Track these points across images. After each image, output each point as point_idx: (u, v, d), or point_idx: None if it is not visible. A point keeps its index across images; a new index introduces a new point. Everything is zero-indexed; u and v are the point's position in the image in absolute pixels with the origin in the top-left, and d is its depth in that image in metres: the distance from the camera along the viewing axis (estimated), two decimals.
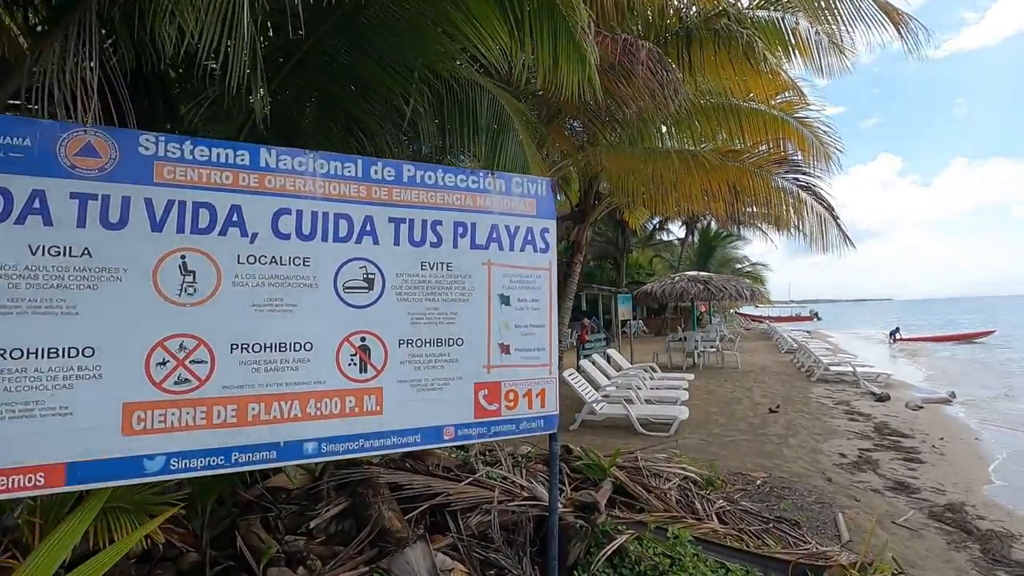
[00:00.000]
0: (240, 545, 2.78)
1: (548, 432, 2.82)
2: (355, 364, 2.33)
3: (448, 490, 3.58)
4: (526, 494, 3.42)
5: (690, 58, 7.07)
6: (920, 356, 22.20)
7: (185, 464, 2.00)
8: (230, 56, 2.48)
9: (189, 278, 2.05)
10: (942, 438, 6.97)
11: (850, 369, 11.98)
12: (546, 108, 8.35)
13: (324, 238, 2.31)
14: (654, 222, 34.94)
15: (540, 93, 7.65)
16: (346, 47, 4.11)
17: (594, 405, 7.59)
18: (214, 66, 2.99)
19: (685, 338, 14.81)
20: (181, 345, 2.01)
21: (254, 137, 3.64)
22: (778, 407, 8.63)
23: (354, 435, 2.31)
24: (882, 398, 9.80)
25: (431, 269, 2.52)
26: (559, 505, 3.29)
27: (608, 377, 10.02)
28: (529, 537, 3.20)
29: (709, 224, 34.17)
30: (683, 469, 4.47)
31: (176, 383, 2.00)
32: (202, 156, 2.13)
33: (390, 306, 2.42)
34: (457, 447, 4.51)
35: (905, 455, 6.19)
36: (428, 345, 2.48)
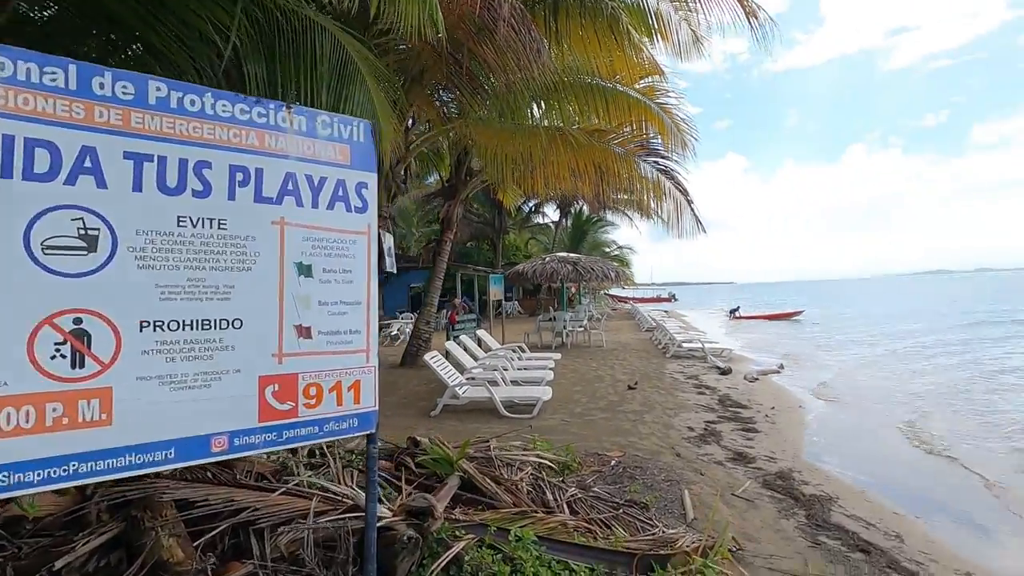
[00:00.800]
0: None
1: (365, 432, 2.33)
2: (63, 356, 1.63)
3: (256, 504, 2.95)
4: (350, 503, 2.90)
5: (557, 26, 6.83)
6: (754, 332, 25.06)
7: None
8: None
9: None
10: (773, 407, 7.62)
11: (700, 345, 12.92)
12: (409, 70, 7.68)
13: (6, 173, 1.57)
14: (530, 205, 35.54)
15: (402, 48, 6.97)
16: None
17: (457, 389, 7.23)
18: None
19: (555, 318, 15.05)
20: None
21: None
22: (636, 384, 8.94)
23: (61, 457, 1.63)
24: (725, 372, 10.62)
25: (193, 227, 1.87)
26: (386, 513, 2.83)
27: (476, 359, 9.74)
28: (351, 555, 2.70)
29: (581, 209, 35.49)
30: (538, 456, 4.23)
31: None
32: None
33: (125, 275, 1.75)
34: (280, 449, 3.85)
35: (743, 425, 6.62)
36: (188, 328, 1.85)
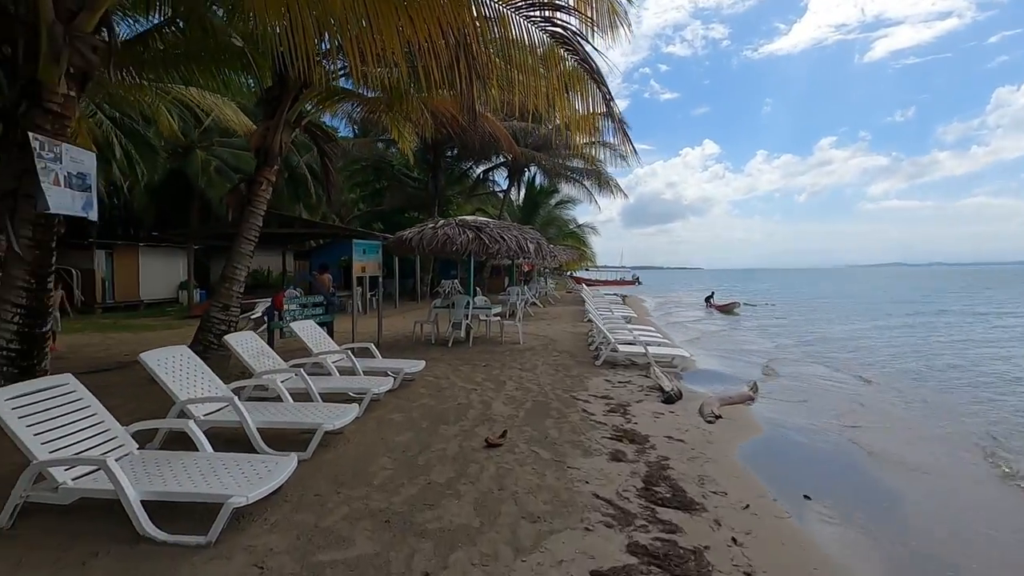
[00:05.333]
0: None
1: None
2: None
3: None
4: None
5: None
6: (718, 322, 21.59)
7: None
8: None
9: None
10: (747, 506, 3.75)
11: (642, 350, 9.09)
12: None
13: None
14: (477, 171, 31.22)
15: None
16: None
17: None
18: None
19: (453, 304, 11.01)
20: None
21: None
22: (503, 436, 4.97)
23: None
24: (671, 398, 6.81)
25: None
26: None
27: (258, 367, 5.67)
28: None
29: (534, 177, 31.38)
30: None
31: None
32: None
33: None
34: None
35: None
36: None
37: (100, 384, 6.83)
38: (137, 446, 3.78)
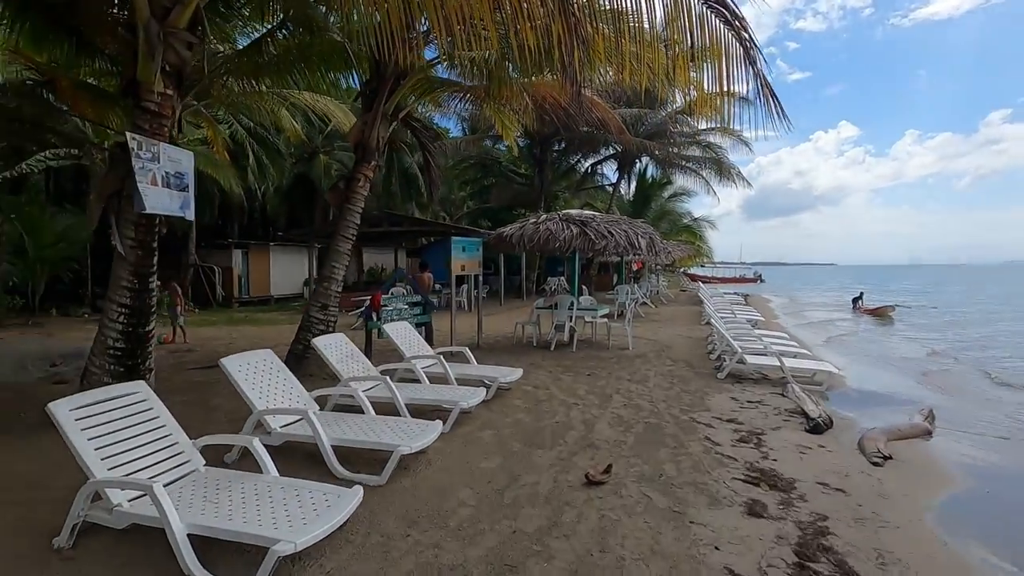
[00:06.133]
0: None
1: None
2: None
3: None
4: None
5: None
6: (870, 325, 18.68)
7: None
8: None
9: None
10: None
11: (776, 363, 7.72)
12: None
13: None
14: (585, 165, 30.16)
15: None
16: None
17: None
18: None
19: (556, 305, 10.27)
20: None
21: None
22: (608, 471, 4.12)
23: None
24: (819, 426, 5.52)
25: None
26: None
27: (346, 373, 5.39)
28: None
29: (645, 168, 29.69)
30: None
31: None
32: None
33: None
34: None
35: None
36: None
37: (209, 380, 7.02)
38: (204, 462, 3.50)
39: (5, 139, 11.76)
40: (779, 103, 4.12)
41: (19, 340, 10.56)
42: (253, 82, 9.70)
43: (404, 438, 3.99)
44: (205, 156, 17.57)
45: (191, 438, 3.58)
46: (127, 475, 3.08)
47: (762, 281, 59.00)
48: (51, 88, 9.58)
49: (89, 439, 3.08)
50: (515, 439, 4.95)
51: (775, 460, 4.62)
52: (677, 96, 6.30)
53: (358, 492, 3.13)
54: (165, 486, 2.87)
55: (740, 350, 8.03)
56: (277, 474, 3.40)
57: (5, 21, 6.58)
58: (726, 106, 5.79)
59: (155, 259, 5.20)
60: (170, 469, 3.30)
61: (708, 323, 14.75)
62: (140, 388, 3.57)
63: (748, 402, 6.56)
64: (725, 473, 4.25)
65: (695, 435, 5.21)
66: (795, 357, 8.54)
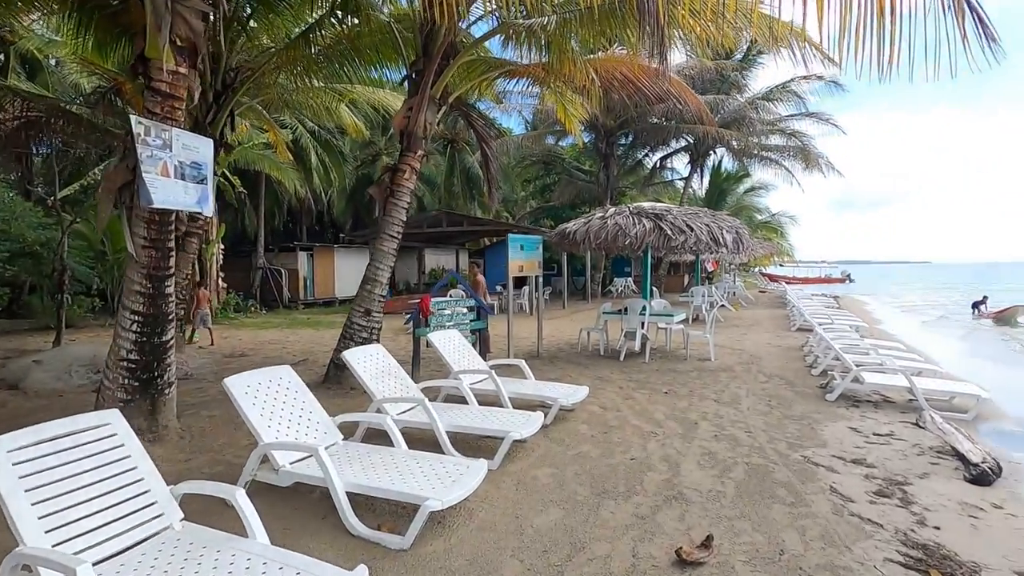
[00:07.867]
0: None
1: None
2: None
3: None
4: None
5: None
6: (988, 331, 16.06)
7: None
8: None
9: None
10: None
11: (903, 383, 6.25)
12: None
13: None
14: (653, 159, 28.49)
15: None
16: None
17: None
18: None
19: (626, 309, 9.14)
20: None
21: None
22: (707, 545, 3.04)
23: None
24: (985, 475, 4.15)
25: None
26: None
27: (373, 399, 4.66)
28: None
29: (720, 161, 27.63)
30: None
31: None
32: None
33: None
34: None
35: None
36: None
37: None
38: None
39: (91, 147, 12.09)
40: (980, 12, 2.79)
41: (87, 342, 10.71)
42: (305, 78, 9.29)
43: (438, 486, 3.11)
44: (270, 160, 17.78)
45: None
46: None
47: (851, 281, 54.23)
48: (118, 93, 9.63)
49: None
50: (579, 481, 3.97)
51: (937, 528, 3.37)
52: (776, 59, 4.96)
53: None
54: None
55: (855, 367, 6.60)
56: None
57: (71, 30, 6.41)
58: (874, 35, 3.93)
59: (172, 260, 4.63)
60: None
61: (800, 329, 13.05)
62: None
63: (874, 435, 5.22)
64: (872, 549, 3.07)
65: (815, 483, 4.01)
66: (922, 375, 6.98)
